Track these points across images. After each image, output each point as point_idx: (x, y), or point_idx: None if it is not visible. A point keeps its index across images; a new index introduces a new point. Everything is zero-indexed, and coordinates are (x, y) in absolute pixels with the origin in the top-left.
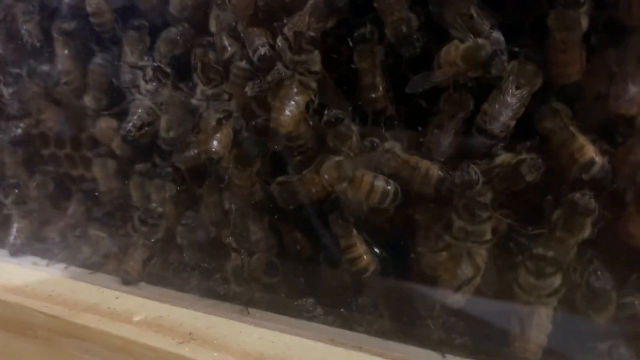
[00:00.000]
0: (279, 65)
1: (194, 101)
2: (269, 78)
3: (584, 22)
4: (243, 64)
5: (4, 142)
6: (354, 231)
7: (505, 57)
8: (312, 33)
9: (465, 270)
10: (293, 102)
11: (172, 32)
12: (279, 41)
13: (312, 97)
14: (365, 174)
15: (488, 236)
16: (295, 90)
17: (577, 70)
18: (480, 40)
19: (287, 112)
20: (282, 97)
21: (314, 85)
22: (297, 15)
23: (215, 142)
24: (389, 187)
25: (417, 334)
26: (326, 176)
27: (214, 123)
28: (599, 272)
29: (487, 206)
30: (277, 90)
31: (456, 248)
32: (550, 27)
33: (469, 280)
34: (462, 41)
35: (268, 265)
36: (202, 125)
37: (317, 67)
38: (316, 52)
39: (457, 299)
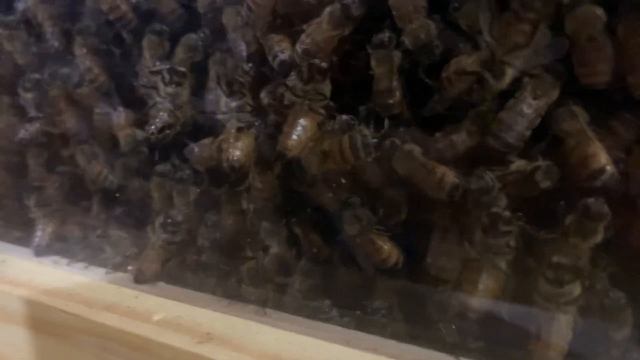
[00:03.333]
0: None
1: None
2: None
3: (601, 14)
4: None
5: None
6: (370, 226)
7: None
8: (324, 64)
9: (487, 280)
10: (300, 128)
11: (192, 38)
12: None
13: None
14: (342, 138)
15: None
16: (303, 115)
17: (608, 68)
18: (482, 53)
19: (294, 137)
20: (290, 122)
21: (322, 111)
22: (314, 22)
23: (236, 151)
24: (367, 140)
25: (432, 337)
26: (312, 166)
27: (235, 131)
28: (614, 292)
29: (511, 220)
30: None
31: (477, 260)
32: (569, 32)
33: (489, 290)
34: (469, 55)
35: (281, 265)
36: (224, 134)
37: (327, 94)
38: (327, 82)
39: (476, 309)
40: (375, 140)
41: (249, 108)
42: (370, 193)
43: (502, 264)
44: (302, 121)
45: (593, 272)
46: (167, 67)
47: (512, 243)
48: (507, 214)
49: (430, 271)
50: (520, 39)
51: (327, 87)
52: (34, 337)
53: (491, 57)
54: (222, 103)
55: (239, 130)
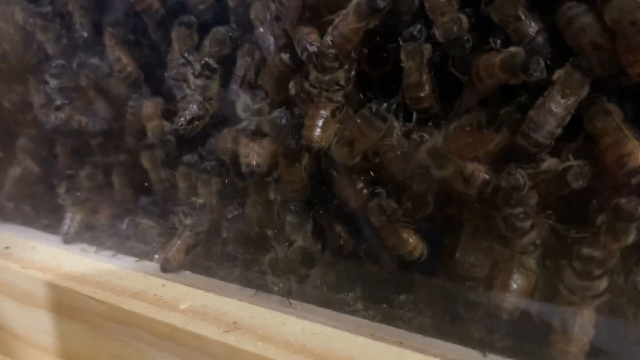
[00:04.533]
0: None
1: None
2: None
3: None
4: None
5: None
6: (395, 218)
7: (541, 60)
8: (333, 51)
9: (517, 280)
10: (322, 119)
11: (220, 32)
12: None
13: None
14: (355, 119)
15: (535, 245)
16: (323, 106)
17: None
18: (513, 49)
19: (318, 129)
20: (311, 115)
21: (340, 99)
22: (341, 14)
23: (254, 156)
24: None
25: (459, 332)
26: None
27: (258, 137)
28: None
29: (528, 215)
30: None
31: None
32: (611, 21)
33: (520, 290)
34: (497, 52)
35: (304, 257)
36: (243, 139)
37: (342, 81)
38: (340, 71)
39: (508, 309)
40: (385, 106)
41: (267, 110)
42: (397, 186)
43: (531, 263)
44: (323, 113)
45: (624, 269)
46: (201, 61)
47: (538, 241)
48: (520, 212)
49: (458, 268)
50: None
51: (342, 75)
52: (62, 322)
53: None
54: (240, 105)
55: (259, 135)
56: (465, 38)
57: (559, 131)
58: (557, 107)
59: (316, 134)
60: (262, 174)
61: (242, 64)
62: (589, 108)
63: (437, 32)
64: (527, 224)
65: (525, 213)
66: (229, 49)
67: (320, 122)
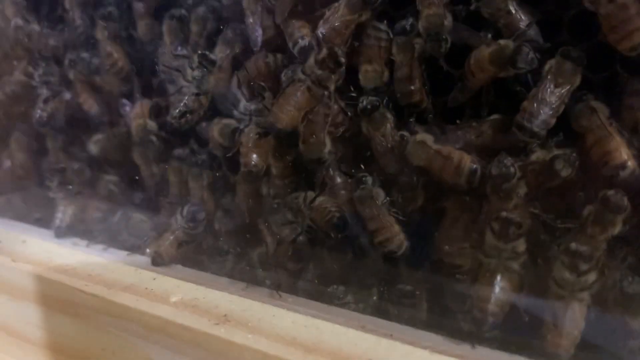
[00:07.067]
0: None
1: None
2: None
3: None
4: None
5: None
6: (384, 211)
7: (531, 51)
8: (342, 59)
9: (501, 282)
10: (294, 102)
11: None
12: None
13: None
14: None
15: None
16: (301, 93)
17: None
18: (502, 42)
19: (286, 110)
20: (287, 95)
21: (320, 97)
22: (333, 7)
23: (253, 155)
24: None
25: (448, 324)
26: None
27: (255, 137)
28: (632, 277)
29: (521, 225)
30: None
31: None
32: (589, 4)
33: (504, 295)
34: (487, 45)
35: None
36: (244, 138)
37: (331, 85)
38: (334, 76)
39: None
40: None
41: (267, 112)
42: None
43: (516, 266)
44: (298, 97)
45: (611, 262)
46: (201, 52)
47: (522, 248)
48: (517, 218)
49: (446, 262)
50: None
51: (332, 80)
52: (53, 316)
53: None
54: (241, 106)
55: (259, 136)
56: (443, 37)
57: (553, 121)
58: (551, 96)
59: (282, 115)
60: (260, 174)
61: (221, 50)
62: (575, 107)
63: (420, 23)
64: (521, 231)
65: (518, 223)
66: (213, 26)
67: (290, 105)
